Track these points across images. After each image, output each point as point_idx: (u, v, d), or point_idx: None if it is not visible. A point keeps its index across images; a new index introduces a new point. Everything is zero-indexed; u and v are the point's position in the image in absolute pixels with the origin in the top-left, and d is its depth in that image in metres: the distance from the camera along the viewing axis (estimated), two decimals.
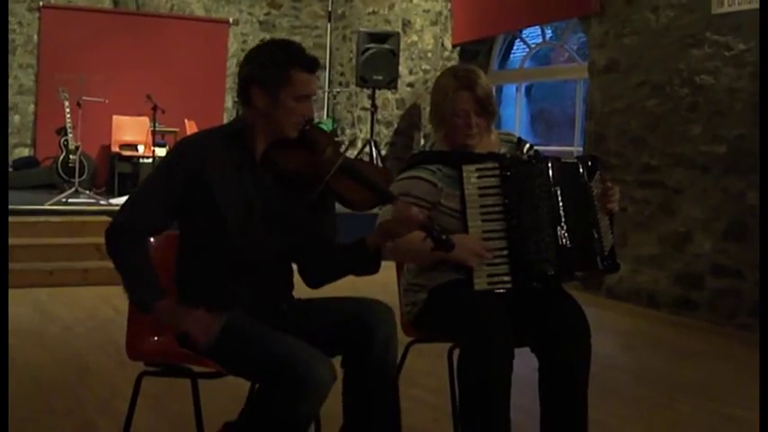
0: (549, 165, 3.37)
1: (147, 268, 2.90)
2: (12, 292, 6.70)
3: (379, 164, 10.40)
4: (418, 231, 2.88)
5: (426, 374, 4.59)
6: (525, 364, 3.34)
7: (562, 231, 3.32)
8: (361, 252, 2.96)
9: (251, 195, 2.93)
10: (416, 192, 3.34)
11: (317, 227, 3.02)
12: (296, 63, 2.90)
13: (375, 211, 3.13)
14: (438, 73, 10.48)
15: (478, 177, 3.30)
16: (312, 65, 2.94)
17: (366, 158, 10.61)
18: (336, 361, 2.88)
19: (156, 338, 3.09)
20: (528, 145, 3.59)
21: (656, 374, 5.37)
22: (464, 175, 3.29)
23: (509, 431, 3.18)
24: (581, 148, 8.65)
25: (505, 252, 3.27)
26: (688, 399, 4.81)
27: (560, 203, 3.34)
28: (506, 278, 3.26)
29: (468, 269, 3.25)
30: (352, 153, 10.73)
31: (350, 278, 3.09)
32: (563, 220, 3.33)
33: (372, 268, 3.00)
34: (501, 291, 3.25)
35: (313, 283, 3.13)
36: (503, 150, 3.51)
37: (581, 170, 3.46)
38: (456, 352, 3.27)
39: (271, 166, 2.95)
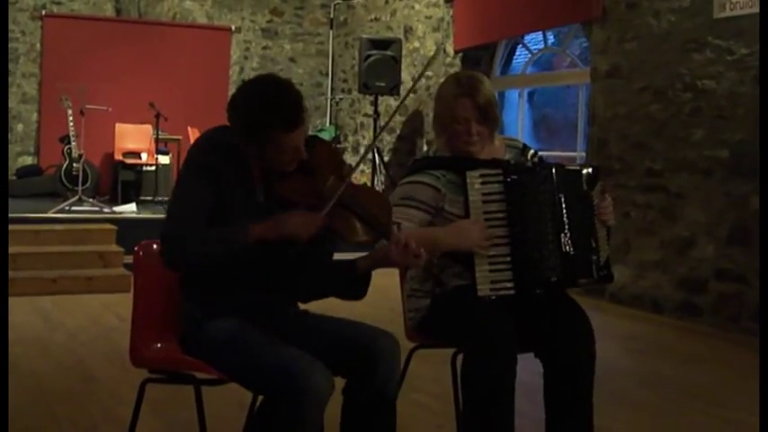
0: (554, 171, 3.36)
1: (211, 230, 2.82)
2: (15, 300, 6.75)
3: (382, 170, 10.40)
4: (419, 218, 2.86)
5: (430, 380, 4.58)
6: (529, 369, 3.35)
7: (566, 238, 3.31)
8: (349, 273, 2.95)
9: (249, 208, 2.90)
10: (419, 196, 3.34)
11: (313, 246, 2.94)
12: (277, 125, 2.81)
13: None
14: (440, 79, 10.52)
15: (482, 183, 3.30)
16: (294, 124, 2.83)
17: (369, 164, 10.62)
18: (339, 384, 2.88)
19: (159, 345, 3.08)
20: (533, 151, 3.58)
21: (661, 379, 5.36)
22: (468, 180, 3.29)
23: None
24: (584, 154, 8.65)
25: (509, 258, 3.27)
26: (692, 403, 4.81)
27: (564, 210, 3.34)
28: (509, 284, 3.26)
29: (471, 275, 3.25)
30: (354, 159, 10.72)
31: None
32: (567, 226, 3.33)
33: (360, 292, 2.99)
34: (504, 295, 3.25)
35: (301, 297, 3.12)
36: (507, 156, 3.50)
37: (583, 178, 3.46)
38: (459, 358, 3.27)
39: (269, 190, 2.93)
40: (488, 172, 3.31)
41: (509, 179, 3.30)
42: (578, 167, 3.53)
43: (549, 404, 3.37)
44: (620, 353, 6.00)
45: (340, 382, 2.85)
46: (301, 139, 2.90)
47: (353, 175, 3.02)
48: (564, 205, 3.34)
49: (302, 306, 3.16)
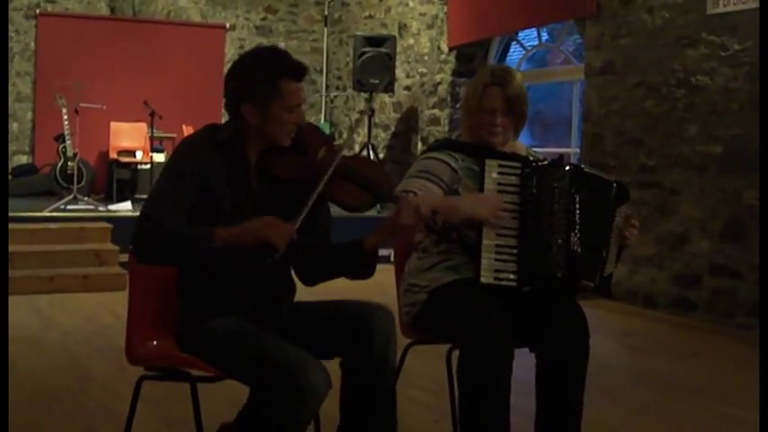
0: (571, 170, 3.37)
1: (182, 227, 2.82)
2: (12, 299, 6.73)
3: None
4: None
5: (425, 376, 4.60)
6: (525, 366, 3.36)
7: (575, 238, 3.31)
8: (356, 252, 2.96)
9: (246, 206, 2.91)
10: (437, 171, 3.35)
11: (310, 225, 2.96)
12: (284, 73, 2.85)
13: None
14: (435, 76, 10.56)
15: (499, 173, 3.31)
16: (300, 73, 2.90)
17: None
18: (335, 361, 2.90)
19: (155, 343, 3.09)
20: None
21: (655, 374, 5.38)
22: (486, 168, 3.30)
23: (509, 431, 3.19)
24: (578, 150, 8.67)
25: (515, 250, 3.27)
26: (686, 398, 4.83)
27: (577, 210, 3.33)
28: (512, 276, 3.27)
29: (476, 262, 3.26)
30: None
31: (348, 281, 3.09)
32: (578, 227, 3.32)
33: (368, 271, 3.00)
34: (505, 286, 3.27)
35: (307, 281, 3.13)
36: None
37: (607, 188, 3.45)
38: (455, 353, 3.28)
39: (265, 175, 2.94)
40: (507, 163, 3.32)
41: (526, 173, 3.31)
42: (604, 175, 3.52)
43: (540, 396, 3.39)
44: (614, 348, 6.02)
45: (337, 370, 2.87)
46: (303, 99, 2.95)
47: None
48: (578, 205, 3.34)
49: (300, 294, 3.17)
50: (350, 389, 2.96)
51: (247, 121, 2.90)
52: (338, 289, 3.11)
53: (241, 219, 2.85)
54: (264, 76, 2.85)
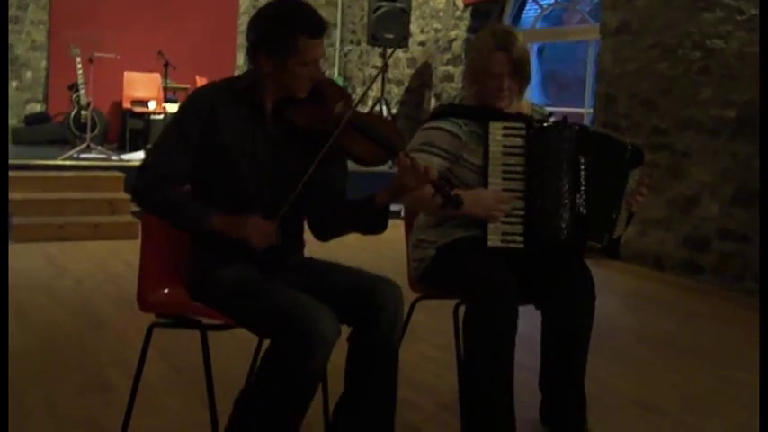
0: (576, 131, 3.36)
1: (183, 197, 2.94)
2: (23, 246, 6.83)
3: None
4: (429, 187, 2.89)
5: (432, 331, 4.64)
6: (530, 322, 3.40)
7: (581, 199, 3.31)
8: (369, 209, 2.97)
9: (261, 150, 2.95)
10: (439, 142, 3.36)
11: (326, 181, 3.01)
12: (302, 30, 2.84)
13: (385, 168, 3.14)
14: (450, 32, 10.52)
15: (504, 136, 3.31)
16: (319, 30, 2.88)
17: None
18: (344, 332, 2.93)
19: (166, 291, 3.12)
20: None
21: (659, 336, 5.42)
22: (490, 131, 3.31)
23: (512, 387, 3.24)
24: (591, 110, 8.65)
25: (522, 212, 3.29)
26: (690, 360, 4.86)
27: (582, 171, 3.33)
28: (519, 238, 3.28)
29: (483, 224, 3.28)
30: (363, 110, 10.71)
31: (358, 236, 3.12)
32: (583, 188, 3.33)
33: (380, 226, 3.00)
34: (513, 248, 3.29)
35: (321, 236, 3.15)
36: None
37: (619, 149, 3.45)
38: (462, 309, 3.32)
39: (281, 121, 2.97)
40: (511, 125, 3.32)
41: (531, 134, 3.31)
42: (618, 137, 3.52)
43: (544, 354, 3.44)
44: (621, 308, 6.06)
45: (345, 331, 2.90)
46: (322, 55, 2.95)
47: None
48: (583, 167, 3.34)
49: (307, 253, 3.21)
50: (355, 361, 2.98)
51: (263, 71, 2.92)
52: (349, 245, 3.13)
53: (255, 164, 2.91)
54: (283, 31, 2.85)
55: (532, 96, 9.61)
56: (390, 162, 3.12)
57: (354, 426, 3.02)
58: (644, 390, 4.29)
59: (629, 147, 3.47)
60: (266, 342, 2.84)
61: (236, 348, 3.70)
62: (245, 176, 2.93)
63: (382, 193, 2.96)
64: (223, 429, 2.95)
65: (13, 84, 11.53)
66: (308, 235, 3.18)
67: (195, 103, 2.97)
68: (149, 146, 10.42)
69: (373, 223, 3.00)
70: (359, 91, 12.63)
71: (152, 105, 11.29)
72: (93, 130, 9.94)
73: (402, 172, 2.87)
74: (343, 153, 2.97)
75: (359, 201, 3.01)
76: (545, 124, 3.40)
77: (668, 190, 7.32)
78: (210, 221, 2.87)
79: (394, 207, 3.06)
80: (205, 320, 2.98)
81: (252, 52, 2.95)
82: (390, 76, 11.59)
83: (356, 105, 2.98)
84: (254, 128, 2.96)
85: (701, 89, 7.10)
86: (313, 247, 3.19)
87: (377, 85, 11.33)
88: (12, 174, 7.93)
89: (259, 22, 2.93)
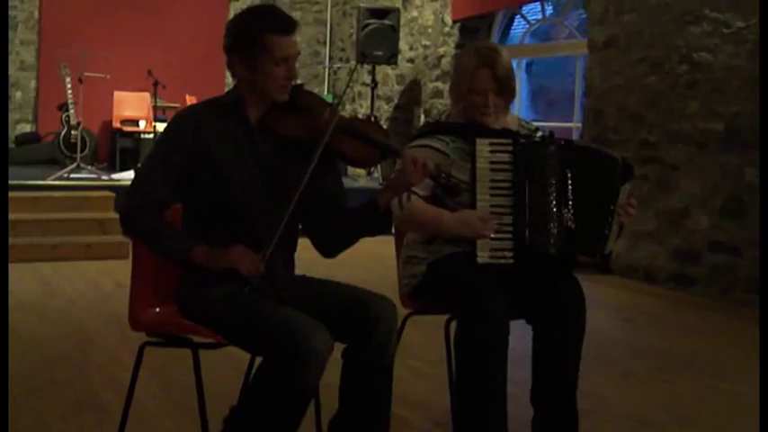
0: (563, 146, 3.37)
1: (169, 227, 2.94)
2: (15, 267, 6.80)
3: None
4: (424, 205, 2.90)
5: (424, 347, 4.64)
6: (522, 338, 3.40)
7: (569, 213, 3.32)
8: (373, 212, 2.98)
9: (251, 167, 2.96)
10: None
11: (323, 191, 3.03)
12: (269, 27, 2.89)
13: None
14: (438, 49, 10.55)
15: (491, 152, 3.32)
16: (285, 27, 2.91)
17: None
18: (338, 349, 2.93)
19: (157, 310, 3.13)
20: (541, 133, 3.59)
21: (652, 348, 5.43)
22: (477, 148, 3.31)
23: (505, 402, 3.24)
24: (580, 125, 8.68)
25: (510, 228, 3.29)
26: (683, 372, 4.87)
27: (570, 186, 3.34)
28: (509, 254, 3.28)
29: (471, 242, 3.28)
30: None
31: (347, 253, 3.12)
32: (571, 202, 3.33)
33: (384, 227, 3.03)
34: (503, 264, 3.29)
35: (328, 251, 3.14)
36: None
37: (616, 168, 3.44)
38: (453, 324, 3.32)
39: (269, 134, 2.98)
40: (498, 141, 3.33)
41: (518, 150, 3.32)
42: (608, 151, 3.52)
43: (535, 369, 3.44)
44: (612, 322, 6.07)
45: (339, 348, 2.90)
46: (294, 54, 2.96)
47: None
48: (570, 181, 3.34)
49: (299, 271, 3.21)
50: (349, 379, 2.98)
51: (239, 75, 2.96)
52: (341, 261, 3.13)
53: (247, 181, 2.93)
54: (250, 30, 2.91)
55: (521, 111, 9.65)
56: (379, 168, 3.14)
57: None
58: (638, 403, 4.29)
59: (620, 161, 3.47)
60: (258, 360, 2.84)
61: (229, 367, 3.70)
62: (237, 194, 2.93)
63: (383, 194, 2.99)
64: None
65: None
66: (303, 252, 3.19)
67: (178, 126, 3.00)
68: (139, 166, 10.45)
69: (379, 225, 3.01)
70: (348, 108, 12.65)
71: (142, 124, 11.30)
72: (83, 150, 9.94)
73: (404, 166, 2.90)
74: (336, 157, 2.99)
75: (360, 207, 3.02)
76: (532, 139, 3.41)
77: (658, 203, 7.35)
78: (193, 255, 2.88)
79: None
80: (196, 339, 2.98)
81: (228, 60, 2.98)
82: (380, 92, 11.61)
83: (339, 102, 3.01)
84: (242, 144, 2.97)
85: (688, 102, 7.13)
86: (305, 264, 3.20)
87: (366, 102, 11.36)
88: None
89: (230, 26, 2.99)
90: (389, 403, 3.04)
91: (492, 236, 3.26)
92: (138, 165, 10.40)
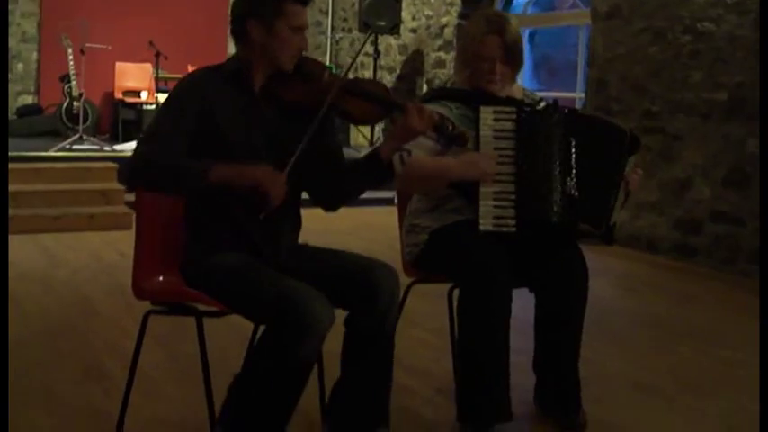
0: (567, 114, 3.36)
1: (183, 159, 2.86)
2: (18, 238, 6.83)
3: None
4: (427, 156, 2.89)
5: (426, 315, 4.65)
6: (524, 307, 3.41)
7: (572, 182, 3.31)
8: (376, 163, 2.99)
9: (255, 133, 2.96)
10: None
11: (322, 150, 3.03)
12: None
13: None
14: (441, 19, 10.51)
15: (495, 120, 3.31)
16: None
17: None
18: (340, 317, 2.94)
19: (161, 278, 3.13)
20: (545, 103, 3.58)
21: (654, 317, 5.44)
22: (481, 116, 3.30)
23: (508, 370, 3.25)
24: (583, 95, 8.67)
25: (513, 196, 3.28)
26: (685, 341, 4.88)
27: (573, 154, 3.33)
28: (511, 221, 3.27)
29: (475, 209, 3.29)
30: None
31: (351, 219, 3.13)
32: (574, 170, 3.33)
33: (387, 179, 3.04)
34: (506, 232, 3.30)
35: (330, 204, 3.16)
36: None
37: (623, 139, 3.43)
38: (456, 292, 3.34)
39: (272, 100, 2.99)
40: (502, 109, 3.32)
41: (521, 118, 3.31)
42: (616, 123, 3.51)
43: (538, 337, 3.46)
44: (614, 292, 6.08)
45: (341, 316, 2.92)
46: (307, 26, 2.99)
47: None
48: (574, 149, 3.33)
49: (302, 239, 3.22)
50: (351, 346, 3.01)
51: (252, 39, 2.95)
52: (342, 231, 3.15)
53: (250, 147, 2.93)
54: None
55: (524, 81, 9.61)
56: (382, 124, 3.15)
57: (351, 408, 3.05)
58: (639, 371, 4.31)
59: (628, 133, 3.46)
60: (262, 329, 2.86)
61: (233, 335, 3.71)
62: (241, 160, 2.91)
63: (386, 145, 3.01)
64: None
65: None
66: (306, 223, 3.20)
67: (189, 87, 2.99)
68: (141, 135, 10.44)
69: (381, 177, 3.03)
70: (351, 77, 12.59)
71: (144, 96, 11.28)
72: (85, 121, 9.93)
73: (409, 116, 2.91)
74: (340, 116, 3.00)
75: (363, 159, 3.04)
76: (535, 108, 3.41)
77: (660, 173, 7.35)
78: (213, 175, 2.81)
79: (386, 194, 3.08)
80: (201, 308, 2.99)
81: (240, 23, 2.97)
82: (382, 63, 11.58)
83: (346, 73, 3.02)
84: (246, 111, 2.98)
85: (691, 72, 7.11)
86: (308, 235, 3.21)
87: (369, 72, 11.33)
88: None
89: None
90: (391, 370, 3.07)
91: (495, 204, 3.26)
92: (141, 134, 10.42)
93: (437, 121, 2.93)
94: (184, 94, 2.97)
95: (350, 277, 2.95)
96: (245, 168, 2.83)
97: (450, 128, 2.94)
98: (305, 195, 3.16)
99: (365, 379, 3.02)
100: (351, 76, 3.26)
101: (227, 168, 2.82)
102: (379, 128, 10.63)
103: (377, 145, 3.03)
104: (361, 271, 2.96)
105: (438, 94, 3.51)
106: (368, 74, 11.45)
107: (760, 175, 6.33)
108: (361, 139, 11.19)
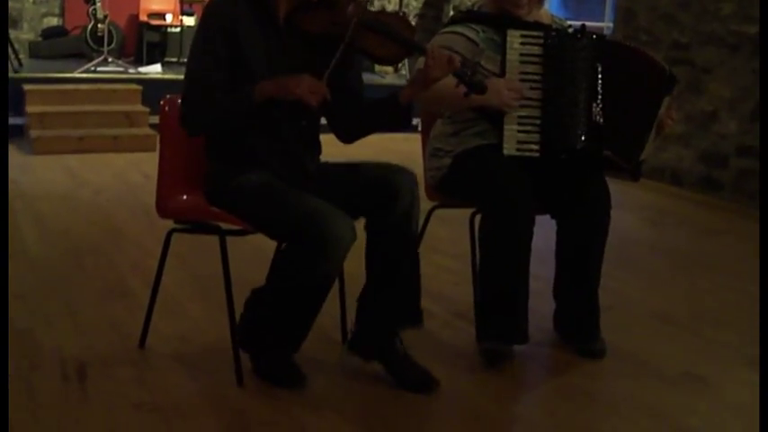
0: (594, 40, 3.33)
1: (225, 96, 2.88)
2: (43, 159, 6.88)
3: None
4: (451, 78, 2.89)
5: (448, 241, 4.67)
6: (546, 235, 3.42)
7: (597, 108, 3.29)
8: (393, 106, 2.98)
9: (278, 62, 2.94)
10: (456, 47, 3.28)
11: (342, 84, 3.01)
12: None
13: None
14: None
15: (522, 44, 3.29)
16: None
17: None
18: (360, 225, 2.96)
19: (185, 197, 3.14)
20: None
21: (675, 249, 5.44)
22: (508, 39, 3.28)
23: (527, 294, 3.28)
24: (612, 24, 8.56)
25: (538, 121, 3.28)
26: (705, 274, 4.89)
27: (599, 80, 3.31)
28: (535, 146, 3.27)
29: (499, 133, 3.28)
30: None
31: (373, 146, 3.12)
32: (599, 97, 3.30)
33: (404, 122, 3.03)
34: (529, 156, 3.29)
35: (345, 138, 3.17)
36: None
37: (663, 79, 3.40)
38: (477, 218, 3.34)
39: (296, 31, 2.97)
40: (529, 33, 3.30)
41: (549, 43, 3.29)
42: (652, 57, 3.47)
43: (558, 264, 3.46)
44: (637, 222, 6.07)
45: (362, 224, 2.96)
46: None
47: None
48: (600, 75, 3.31)
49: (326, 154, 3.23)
50: (375, 249, 3.02)
51: None
52: (364, 154, 3.14)
53: (272, 76, 2.89)
54: None
55: (552, 8, 9.50)
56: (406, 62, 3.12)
57: (381, 309, 3.07)
58: (659, 301, 4.32)
59: (668, 71, 3.41)
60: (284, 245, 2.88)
61: (255, 255, 3.73)
62: (261, 77, 2.91)
63: (406, 89, 2.99)
64: None
65: None
66: (326, 148, 3.20)
67: (215, 17, 2.95)
68: (173, 58, 10.44)
69: (399, 119, 3.02)
70: (377, 4, 12.51)
71: (169, 18, 11.21)
72: (110, 44, 9.90)
73: (429, 62, 2.87)
74: (358, 51, 2.97)
75: (383, 99, 3.03)
76: (562, 33, 3.37)
77: (687, 105, 7.27)
78: (259, 92, 2.83)
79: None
80: (223, 226, 3.01)
81: None
82: None
83: (369, 4, 2.97)
84: (270, 40, 2.96)
85: (722, 4, 7.00)
86: (330, 155, 3.21)
87: None
88: (29, 87, 8.01)
89: None
90: (418, 267, 3.09)
91: (519, 128, 3.25)
92: (166, 58, 10.41)
93: (458, 67, 2.90)
94: (212, 20, 2.94)
95: (370, 184, 2.97)
96: (284, 82, 2.84)
97: (470, 76, 2.91)
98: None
99: (392, 277, 3.03)
100: (375, 4, 3.21)
101: (267, 84, 2.84)
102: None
103: (400, 86, 2.99)
104: (381, 176, 2.98)
105: (465, 17, 3.48)
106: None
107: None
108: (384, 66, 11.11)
